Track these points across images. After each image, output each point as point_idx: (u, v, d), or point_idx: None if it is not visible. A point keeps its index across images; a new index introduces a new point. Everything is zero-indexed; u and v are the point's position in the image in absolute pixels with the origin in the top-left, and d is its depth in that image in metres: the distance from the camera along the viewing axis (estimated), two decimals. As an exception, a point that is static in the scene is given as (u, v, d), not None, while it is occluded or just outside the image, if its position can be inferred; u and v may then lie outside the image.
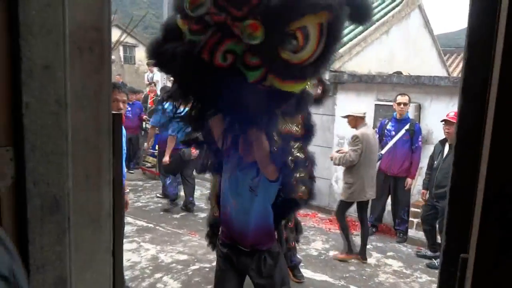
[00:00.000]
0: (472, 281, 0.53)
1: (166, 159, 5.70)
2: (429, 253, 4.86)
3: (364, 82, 6.21)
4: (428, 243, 4.85)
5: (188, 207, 6.24)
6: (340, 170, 6.64)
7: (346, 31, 7.45)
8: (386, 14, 7.51)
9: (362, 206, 4.63)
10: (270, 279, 2.34)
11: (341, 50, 6.62)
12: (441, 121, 4.53)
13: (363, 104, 6.25)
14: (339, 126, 6.54)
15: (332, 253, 4.89)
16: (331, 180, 6.71)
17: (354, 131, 4.50)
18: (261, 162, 2.12)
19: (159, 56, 1.82)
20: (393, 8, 7.66)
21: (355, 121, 4.49)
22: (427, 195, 4.79)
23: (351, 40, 6.93)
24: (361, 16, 1.82)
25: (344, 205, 4.58)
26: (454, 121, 4.29)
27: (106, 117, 1.71)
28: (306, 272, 4.28)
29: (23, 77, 1.21)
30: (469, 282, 0.54)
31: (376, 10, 7.97)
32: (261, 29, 1.53)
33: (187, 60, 1.69)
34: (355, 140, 4.41)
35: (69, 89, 1.49)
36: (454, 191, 0.61)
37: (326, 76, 6.40)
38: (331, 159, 4.70)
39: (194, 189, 6.33)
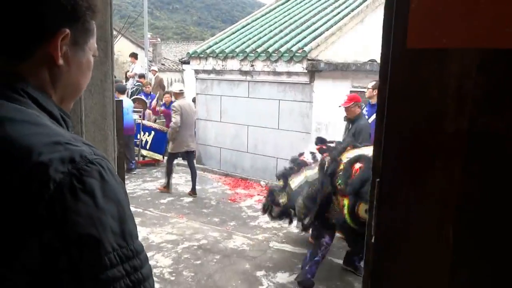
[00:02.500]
0: (379, 196, 0.84)
1: None
2: None
3: (340, 70, 6.56)
4: None
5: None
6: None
7: (322, 21, 7.77)
8: (360, 4, 7.84)
9: (188, 156, 6.71)
10: None
11: (317, 40, 6.94)
12: (339, 106, 5.04)
13: (339, 90, 6.60)
14: (317, 113, 6.88)
15: (310, 230, 5.26)
16: (310, 164, 7.07)
17: (174, 103, 6.55)
18: None
19: None
20: (367, -1, 7.99)
21: (176, 95, 6.62)
22: None
23: (327, 29, 7.24)
24: None
25: (171, 155, 6.68)
26: (347, 105, 4.89)
27: (110, 103, 1.99)
28: (287, 247, 4.65)
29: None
30: (378, 198, 0.85)
31: (351, 1, 8.30)
32: None
33: None
34: (173, 108, 6.41)
35: (82, 79, 1.76)
36: (375, 142, 0.91)
37: (304, 64, 6.72)
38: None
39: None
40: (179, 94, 6.57)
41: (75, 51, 0.75)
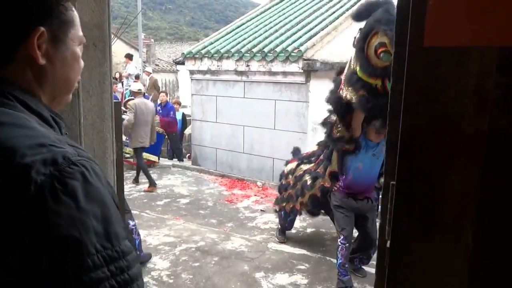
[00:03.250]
0: (395, 200, 0.82)
1: None
2: None
3: (335, 70, 6.53)
4: None
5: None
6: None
7: (317, 20, 7.76)
8: (355, 3, 7.84)
9: (136, 152, 6.93)
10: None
11: (313, 39, 6.93)
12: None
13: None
14: (313, 113, 6.86)
15: (309, 230, 5.24)
16: (307, 164, 7.06)
17: (130, 101, 6.94)
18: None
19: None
20: (362, -2, 8.00)
21: (134, 94, 7.01)
22: None
23: (322, 29, 7.23)
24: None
25: (136, 151, 6.89)
26: None
27: (108, 104, 1.95)
28: (286, 248, 4.62)
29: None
30: (393, 201, 0.83)
31: (345, 0, 8.30)
32: None
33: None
34: (128, 107, 6.78)
35: (80, 81, 1.73)
36: (388, 144, 0.89)
37: (300, 64, 6.70)
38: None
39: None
40: (137, 93, 6.97)
41: (56, 47, 0.73)
